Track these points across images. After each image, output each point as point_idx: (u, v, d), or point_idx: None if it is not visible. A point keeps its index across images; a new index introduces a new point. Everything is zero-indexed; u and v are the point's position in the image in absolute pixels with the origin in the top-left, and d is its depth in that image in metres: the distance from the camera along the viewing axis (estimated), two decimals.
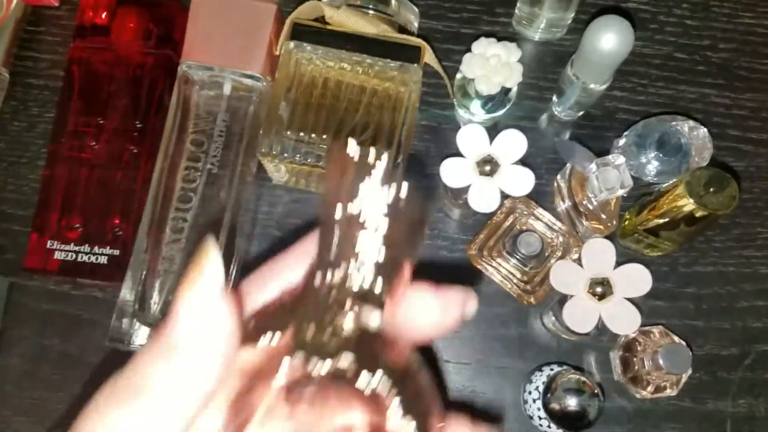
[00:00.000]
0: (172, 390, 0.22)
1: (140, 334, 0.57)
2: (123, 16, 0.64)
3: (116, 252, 0.58)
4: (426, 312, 0.24)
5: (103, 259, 0.58)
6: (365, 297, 0.23)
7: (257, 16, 0.60)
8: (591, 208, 0.55)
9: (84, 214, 0.59)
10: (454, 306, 0.25)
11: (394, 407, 0.23)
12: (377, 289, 0.23)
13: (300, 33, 0.58)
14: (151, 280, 0.56)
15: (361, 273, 0.23)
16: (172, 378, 0.22)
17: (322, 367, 0.22)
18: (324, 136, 0.56)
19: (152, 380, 0.22)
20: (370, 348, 0.23)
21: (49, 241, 0.58)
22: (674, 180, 0.55)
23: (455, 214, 0.62)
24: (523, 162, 0.53)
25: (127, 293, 0.56)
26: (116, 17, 0.63)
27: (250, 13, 0.60)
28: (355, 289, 0.23)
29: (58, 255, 0.58)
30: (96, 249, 0.58)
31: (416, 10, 0.62)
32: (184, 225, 0.57)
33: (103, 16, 0.64)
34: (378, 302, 0.23)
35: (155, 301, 0.56)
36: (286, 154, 0.56)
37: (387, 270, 0.23)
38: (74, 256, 0.58)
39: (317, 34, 0.58)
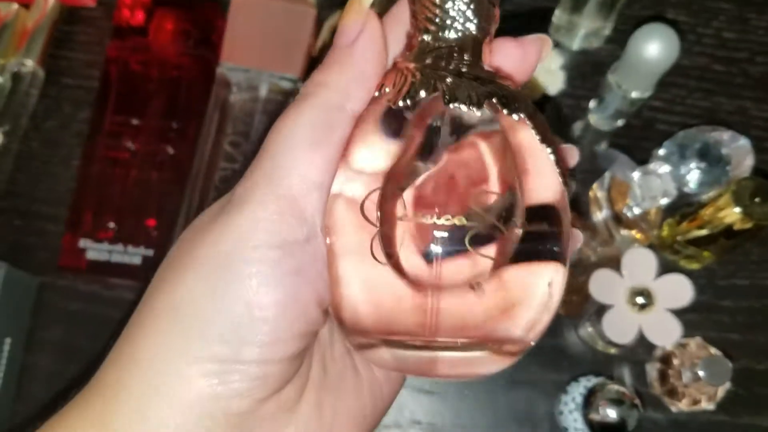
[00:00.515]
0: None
1: None
2: (161, 18, 0.64)
3: (150, 252, 0.58)
4: (510, 58, 0.28)
5: (137, 260, 0.58)
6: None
7: (295, 19, 0.60)
8: (631, 217, 0.55)
9: (118, 214, 0.59)
10: (532, 50, 0.28)
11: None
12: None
13: None
14: None
15: None
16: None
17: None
18: None
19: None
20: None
21: (81, 240, 0.58)
22: (714, 191, 0.55)
23: None
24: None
25: None
26: (154, 18, 0.64)
27: (288, 16, 0.60)
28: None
29: (91, 254, 0.58)
30: (130, 249, 0.58)
31: None
32: None
33: (140, 16, 0.64)
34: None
35: None
36: None
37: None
38: (107, 255, 0.58)
39: None
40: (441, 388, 0.59)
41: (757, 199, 0.48)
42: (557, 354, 0.60)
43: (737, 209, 0.48)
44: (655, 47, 0.50)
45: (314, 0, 0.68)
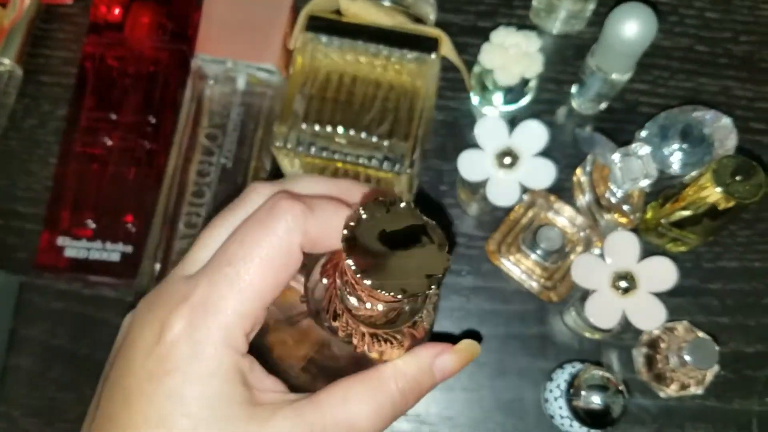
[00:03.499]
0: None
1: None
2: (137, 12, 0.63)
3: (129, 249, 0.57)
4: None
5: (116, 256, 0.57)
6: None
7: (271, 8, 0.60)
8: (613, 201, 0.54)
9: (96, 211, 0.58)
10: None
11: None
12: None
13: (315, 25, 0.57)
14: (166, 276, 0.55)
15: None
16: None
17: None
18: (340, 130, 0.55)
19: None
20: None
21: (60, 238, 0.57)
22: (698, 171, 0.54)
23: (473, 209, 0.61)
24: (543, 155, 0.52)
25: (142, 289, 0.55)
26: (130, 13, 0.63)
27: (264, 6, 0.60)
28: None
29: (69, 252, 0.57)
30: (108, 245, 0.57)
31: (433, 1, 0.62)
32: (198, 220, 0.56)
33: (117, 12, 0.63)
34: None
35: None
36: (301, 148, 0.55)
37: None
38: (86, 253, 0.57)
39: (333, 26, 0.57)
40: None
41: (738, 177, 0.47)
42: (544, 342, 0.59)
43: (718, 189, 0.47)
44: (632, 27, 0.49)
45: None
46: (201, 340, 0.28)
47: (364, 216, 0.26)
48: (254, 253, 0.28)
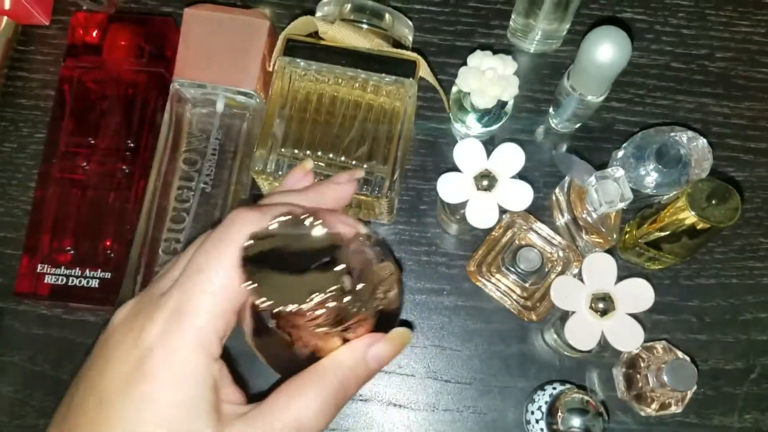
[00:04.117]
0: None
1: None
2: (114, 34, 0.63)
3: (108, 275, 0.57)
4: (330, 197, 0.39)
5: (95, 283, 0.57)
6: None
7: (250, 32, 0.60)
8: (591, 221, 0.55)
9: (75, 237, 0.58)
10: (346, 187, 0.39)
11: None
12: None
13: (293, 49, 0.57)
14: None
15: None
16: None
17: None
18: (319, 153, 0.55)
19: None
20: None
21: (39, 265, 0.57)
22: (675, 192, 0.54)
23: (453, 229, 0.61)
24: (521, 176, 0.52)
25: None
26: (107, 35, 0.63)
27: (242, 29, 0.60)
28: None
29: (48, 279, 0.57)
30: (87, 272, 0.57)
31: (410, 23, 0.62)
32: (177, 246, 0.55)
33: (94, 34, 0.63)
34: None
35: None
36: (281, 172, 0.55)
37: None
38: (65, 280, 0.57)
39: (311, 49, 0.57)
40: (412, 403, 0.59)
41: (713, 201, 0.48)
42: (526, 360, 0.59)
43: (693, 213, 0.47)
44: (606, 51, 0.50)
45: (269, 12, 0.67)
46: (176, 345, 0.30)
47: (270, 231, 0.29)
48: (222, 260, 0.31)
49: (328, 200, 0.38)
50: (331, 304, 0.28)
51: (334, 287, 0.28)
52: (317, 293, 0.28)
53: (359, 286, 0.30)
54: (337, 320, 0.32)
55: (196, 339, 0.31)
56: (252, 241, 0.29)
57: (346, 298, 0.29)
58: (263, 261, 0.28)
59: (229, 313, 0.32)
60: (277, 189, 0.40)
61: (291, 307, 0.27)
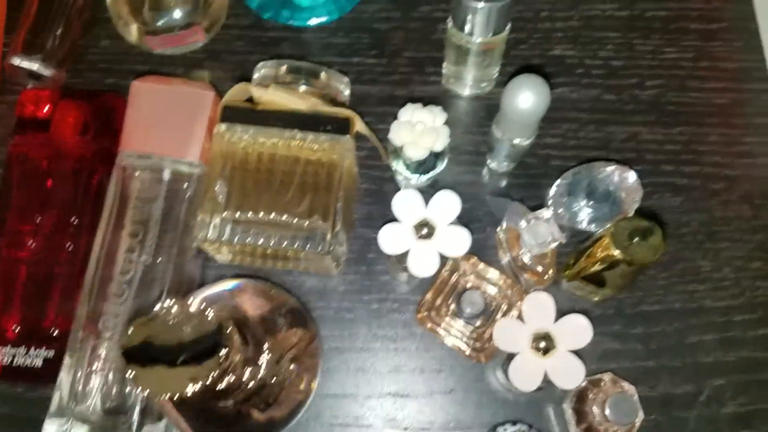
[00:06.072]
0: None
1: None
2: (62, 111, 0.64)
3: (51, 353, 0.57)
4: None
5: (38, 362, 0.57)
6: None
7: (194, 103, 0.61)
8: (527, 262, 0.56)
9: (22, 315, 0.58)
10: None
11: None
12: None
13: (230, 115, 0.59)
14: (86, 379, 0.55)
15: None
16: None
17: None
18: (261, 214, 0.57)
19: None
20: None
21: None
22: (606, 226, 0.56)
23: (403, 277, 0.62)
24: (464, 217, 0.54)
25: (60, 393, 0.55)
26: (56, 111, 0.64)
27: (187, 101, 0.61)
28: None
29: None
30: (32, 351, 0.57)
31: (346, 79, 0.63)
32: (116, 320, 0.56)
33: (46, 110, 0.64)
34: None
35: (90, 400, 0.55)
36: (224, 238, 0.56)
37: None
38: (11, 359, 0.57)
39: (247, 114, 0.59)
40: None
41: (635, 239, 0.49)
42: (482, 400, 0.60)
43: (616, 252, 0.49)
44: (526, 98, 0.51)
45: (207, 75, 0.69)
46: None
47: (152, 316, 0.31)
48: None
49: None
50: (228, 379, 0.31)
51: (214, 373, 0.29)
52: (195, 380, 0.29)
53: (265, 356, 0.32)
54: (253, 390, 0.33)
55: None
56: (133, 328, 0.30)
57: (247, 371, 0.31)
58: (146, 349, 0.30)
59: None
60: None
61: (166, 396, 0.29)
